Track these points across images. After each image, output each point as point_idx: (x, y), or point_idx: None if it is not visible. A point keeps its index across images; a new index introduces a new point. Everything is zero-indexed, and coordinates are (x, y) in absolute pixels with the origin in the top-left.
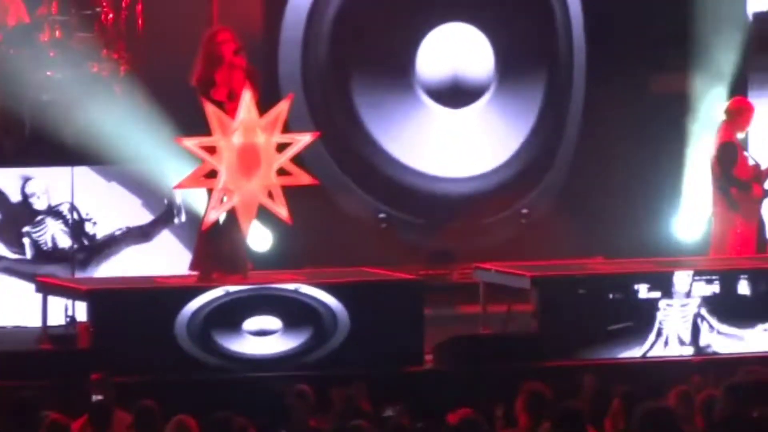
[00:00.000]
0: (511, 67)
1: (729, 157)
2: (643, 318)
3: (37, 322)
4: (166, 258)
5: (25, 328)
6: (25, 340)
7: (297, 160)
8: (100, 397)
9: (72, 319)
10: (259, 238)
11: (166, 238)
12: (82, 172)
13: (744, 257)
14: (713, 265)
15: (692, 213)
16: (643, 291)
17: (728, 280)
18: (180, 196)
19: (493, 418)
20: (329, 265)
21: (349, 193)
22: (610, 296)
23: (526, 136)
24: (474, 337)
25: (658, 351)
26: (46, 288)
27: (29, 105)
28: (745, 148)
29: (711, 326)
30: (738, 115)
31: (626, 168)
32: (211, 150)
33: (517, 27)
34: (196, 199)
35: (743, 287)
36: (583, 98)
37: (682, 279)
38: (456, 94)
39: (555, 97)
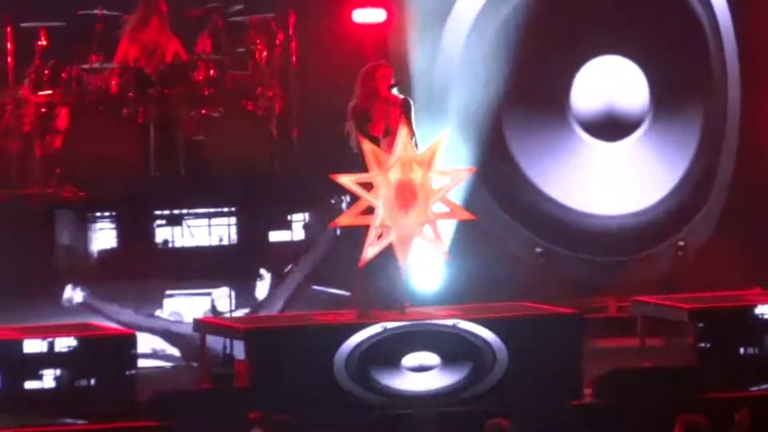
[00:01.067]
0: (667, 99)
1: None
2: None
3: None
4: None
5: (184, 366)
6: (185, 379)
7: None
8: None
9: (231, 358)
10: (426, 276)
11: None
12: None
13: None
14: None
15: None
16: None
17: None
18: None
19: None
20: (487, 301)
21: (506, 229)
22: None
23: (683, 170)
24: (634, 369)
25: None
26: (204, 327)
27: (184, 143)
28: None
29: None
30: None
31: None
32: (368, 186)
33: (671, 59)
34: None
35: None
36: (738, 130)
37: None
38: (611, 127)
39: (710, 130)
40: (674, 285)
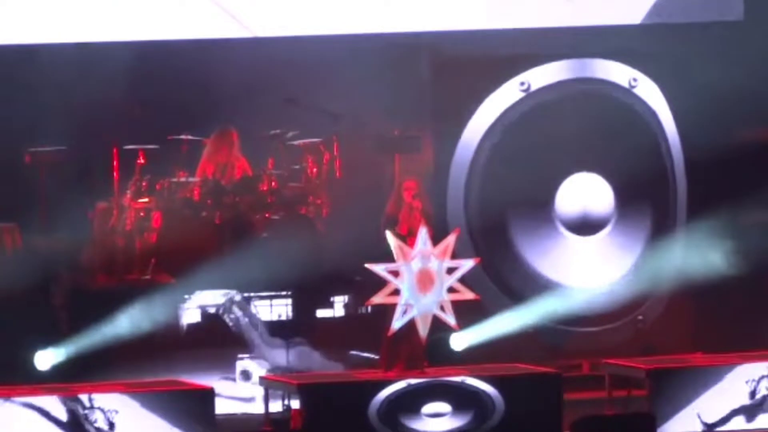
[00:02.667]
0: (627, 204)
1: None
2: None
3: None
4: None
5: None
6: (249, 424)
7: (462, 280)
8: None
9: (288, 407)
10: (457, 340)
11: None
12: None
13: None
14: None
15: None
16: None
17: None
18: None
19: None
20: (488, 362)
21: (502, 306)
22: (700, 378)
23: (638, 259)
24: (602, 416)
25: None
26: (268, 382)
27: (251, 241)
28: None
29: None
30: None
31: (721, 281)
32: (395, 273)
33: (629, 173)
34: None
35: None
36: (684, 228)
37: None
38: (585, 225)
39: (662, 226)
40: (635, 350)
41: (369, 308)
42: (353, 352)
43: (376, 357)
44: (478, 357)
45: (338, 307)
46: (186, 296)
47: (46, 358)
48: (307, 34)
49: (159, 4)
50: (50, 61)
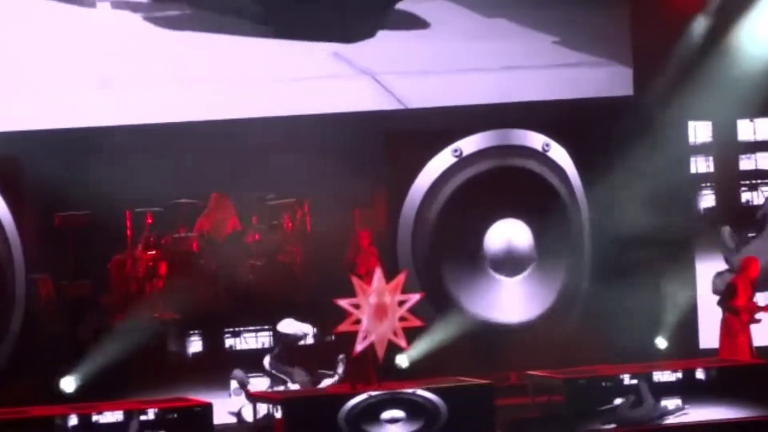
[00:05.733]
0: (544, 248)
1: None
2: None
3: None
4: None
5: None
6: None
7: (411, 310)
8: None
9: (271, 416)
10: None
11: None
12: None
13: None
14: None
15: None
16: (627, 380)
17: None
18: None
19: None
20: (434, 376)
21: (445, 330)
22: (603, 385)
23: (556, 293)
24: (527, 418)
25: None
26: (255, 397)
27: (239, 282)
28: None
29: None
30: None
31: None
32: (357, 306)
33: (548, 222)
34: None
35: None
36: (591, 265)
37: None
38: (510, 263)
39: (573, 265)
40: (552, 362)
41: (334, 336)
42: (321, 371)
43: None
44: (425, 372)
45: (308, 337)
46: (190, 331)
47: (71, 383)
48: (285, 114)
49: (156, 91)
50: (73, 144)
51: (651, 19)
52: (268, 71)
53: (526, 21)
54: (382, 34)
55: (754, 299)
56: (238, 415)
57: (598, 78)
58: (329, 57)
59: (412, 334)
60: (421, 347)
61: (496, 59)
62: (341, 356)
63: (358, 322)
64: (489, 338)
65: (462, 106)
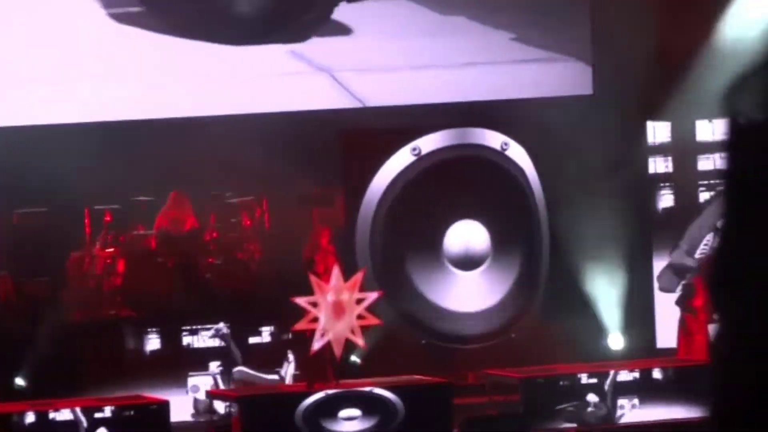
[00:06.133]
0: (501, 245)
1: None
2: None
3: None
4: None
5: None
6: (198, 428)
7: (369, 309)
8: None
9: (229, 414)
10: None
11: None
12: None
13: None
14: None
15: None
16: (584, 379)
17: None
18: None
19: None
20: (391, 374)
21: (401, 328)
22: (561, 384)
23: (511, 288)
24: (485, 416)
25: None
26: (213, 395)
27: (197, 280)
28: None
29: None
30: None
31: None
32: (314, 304)
33: (504, 221)
34: None
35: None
36: (548, 260)
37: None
38: (467, 262)
39: (530, 262)
40: (509, 361)
41: (291, 335)
42: (277, 369)
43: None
44: (381, 371)
45: (265, 335)
46: (148, 329)
47: (28, 380)
48: (242, 113)
49: (115, 88)
50: (31, 141)
51: (612, 17)
52: (226, 69)
53: (485, 18)
54: (339, 32)
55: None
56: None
57: (558, 76)
58: (286, 55)
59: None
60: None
61: (453, 56)
62: (289, 354)
63: (315, 320)
64: (446, 335)
65: (420, 104)
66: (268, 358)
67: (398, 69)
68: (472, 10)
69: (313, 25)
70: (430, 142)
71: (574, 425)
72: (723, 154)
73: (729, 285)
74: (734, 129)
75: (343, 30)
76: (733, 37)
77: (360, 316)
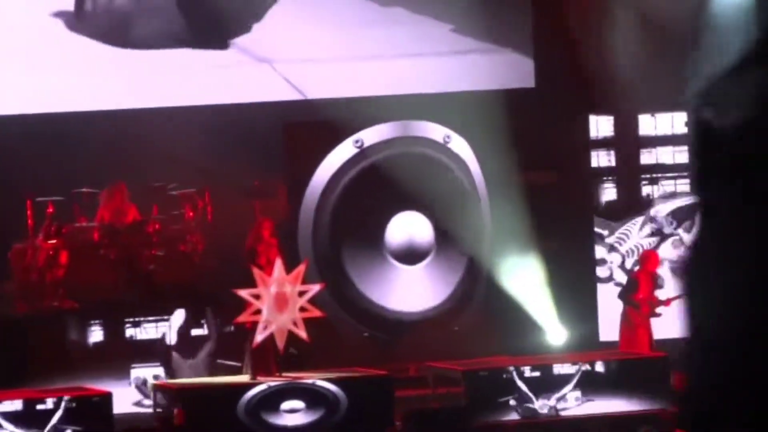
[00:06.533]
0: (444, 238)
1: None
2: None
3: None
4: None
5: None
6: (141, 421)
7: (311, 301)
8: None
9: (172, 406)
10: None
11: None
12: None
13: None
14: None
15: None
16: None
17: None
18: None
19: None
20: (333, 367)
21: (343, 321)
22: (503, 377)
23: (456, 284)
24: (427, 409)
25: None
26: (157, 388)
27: (139, 272)
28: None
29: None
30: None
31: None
32: (257, 296)
33: (447, 213)
34: None
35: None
36: (491, 253)
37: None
38: (410, 255)
39: (473, 255)
40: (452, 354)
41: (233, 327)
42: (220, 361)
43: (239, 365)
44: (323, 363)
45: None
46: (91, 321)
47: None
48: (184, 105)
49: (56, 80)
50: None
51: (553, 9)
52: (168, 62)
53: (424, 9)
54: (280, 23)
55: (656, 293)
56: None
57: (500, 69)
58: (227, 46)
59: (311, 326)
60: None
61: (395, 48)
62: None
63: (258, 312)
64: (388, 328)
65: (363, 97)
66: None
67: (339, 60)
68: (411, 1)
69: (251, 17)
70: (373, 135)
71: (517, 418)
72: (691, 148)
73: (700, 278)
74: (705, 125)
75: (283, 22)
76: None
77: (303, 309)
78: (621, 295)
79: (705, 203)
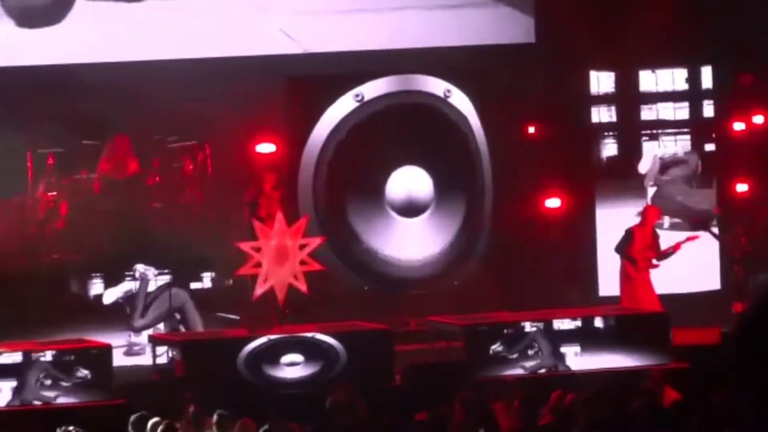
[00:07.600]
0: (443, 191)
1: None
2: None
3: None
4: None
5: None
6: (141, 373)
7: (311, 255)
8: (192, 408)
9: (172, 359)
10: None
11: None
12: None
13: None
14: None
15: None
16: (527, 327)
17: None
18: None
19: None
20: (333, 320)
21: (344, 275)
22: (505, 332)
23: (455, 235)
24: (426, 363)
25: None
26: (155, 339)
27: (141, 224)
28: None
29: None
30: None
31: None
32: (257, 249)
33: (447, 167)
34: None
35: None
36: (491, 208)
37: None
38: (410, 209)
39: (473, 208)
40: (452, 309)
41: (231, 280)
42: (220, 314)
43: (238, 318)
44: (324, 316)
45: (206, 280)
46: (92, 274)
47: None
48: (185, 57)
49: (58, 32)
50: None
51: None
52: (169, 13)
53: None
54: None
55: (652, 247)
56: None
57: (500, 24)
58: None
59: (312, 279)
60: None
61: (395, 1)
62: None
63: (258, 265)
64: (388, 282)
65: (363, 51)
66: (209, 304)
67: (340, 12)
68: None
69: None
70: (373, 88)
71: (517, 372)
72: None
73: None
74: None
75: None
76: None
77: (303, 262)
78: (617, 249)
79: None
